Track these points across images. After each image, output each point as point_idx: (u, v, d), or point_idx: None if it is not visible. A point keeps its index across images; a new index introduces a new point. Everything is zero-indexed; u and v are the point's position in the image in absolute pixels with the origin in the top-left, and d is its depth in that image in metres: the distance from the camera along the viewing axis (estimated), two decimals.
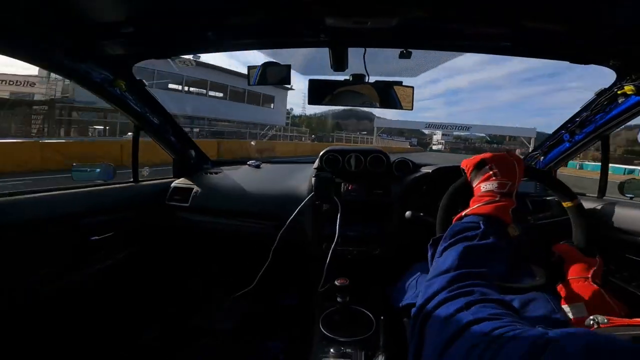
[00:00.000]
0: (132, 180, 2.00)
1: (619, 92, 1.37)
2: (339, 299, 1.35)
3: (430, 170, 1.78)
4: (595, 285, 0.93)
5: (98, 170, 1.80)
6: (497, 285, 0.68)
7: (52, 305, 1.52)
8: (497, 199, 0.87)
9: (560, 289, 0.97)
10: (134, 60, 1.55)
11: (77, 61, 1.35)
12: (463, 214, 0.88)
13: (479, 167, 0.96)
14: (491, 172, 0.93)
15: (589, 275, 0.95)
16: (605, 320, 0.64)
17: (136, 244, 1.92)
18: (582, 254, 1.03)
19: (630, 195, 1.66)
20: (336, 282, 1.33)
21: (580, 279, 0.96)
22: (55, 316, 1.55)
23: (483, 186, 0.92)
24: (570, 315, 0.91)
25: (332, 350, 1.28)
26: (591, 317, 0.66)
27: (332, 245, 1.59)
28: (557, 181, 1.13)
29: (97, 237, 1.65)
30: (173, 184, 2.06)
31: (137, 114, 1.79)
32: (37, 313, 1.47)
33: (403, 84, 1.54)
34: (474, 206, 0.88)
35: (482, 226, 0.79)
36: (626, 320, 0.61)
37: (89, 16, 1.10)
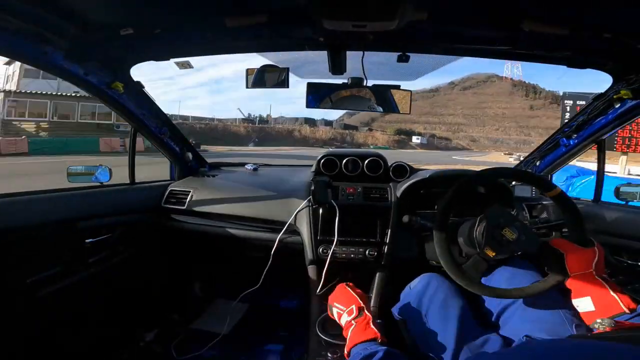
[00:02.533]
0: (128, 182, 1.99)
1: (615, 96, 1.38)
2: None
3: (427, 175, 1.79)
4: (599, 279, 0.92)
5: (94, 172, 1.79)
6: None
7: (49, 308, 1.50)
8: (353, 325, 1.03)
9: (569, 284, 0.97)
10: (132, 62, 1.54)
11: (75, 63, 1.34)
12: (346, 354, 1.01)
13: (331, 311, 1.16)
14: (338, 311, 1.12)
15: (592, 269, 0.95)
16: (613, 324, 0.65)
17: (133, 247, 1.91)
18: (579, 245, 1.02)
19: (626, 200, 1.67)
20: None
21: (584, 273, 0.95)
22: (52, 319, 1.54)
23: (342, 320, 1.09)
24: (579, 309, 0.92)
25: (328, 353, 1.27)
26: (598, 320, 0.67)
27: (331, 249, 1.58)
28: (531, 175, 1.13)
29: (93, 240, 1.63)
30: (170, 187, 2.05)
31: (134, 117, 1.78)
32: (34, 316, 1.46)
33: (401, 87, 1.55)
34: (347, 340, 1.02)
35: (361, 354, 0.91)
36: (632, 324, 0.62)
37: (87, 18, 1.10)
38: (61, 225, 1.51)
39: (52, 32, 1.13)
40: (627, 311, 0.84)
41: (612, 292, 0.89)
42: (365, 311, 1.05)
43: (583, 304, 0.91)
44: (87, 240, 1.62)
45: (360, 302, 1.08)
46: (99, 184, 1.79)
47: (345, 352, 1.01)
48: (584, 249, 1.00)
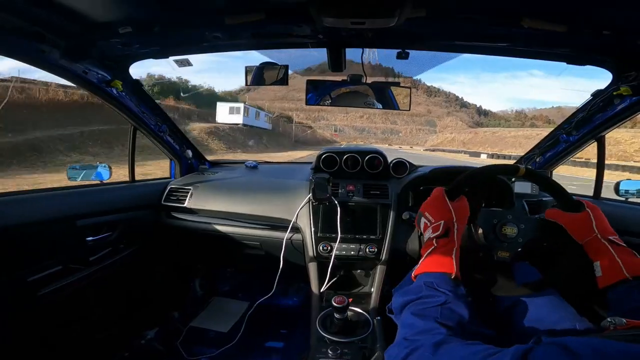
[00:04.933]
0: (128, 180, 1.99)
1: (615, 93, 1.38)
2: (337, 316, 1.34)
3: (427, 171, 1.79)
4: (603, 243, 0.91)
5: (94, 169, 1.79)
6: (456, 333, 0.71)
7: (50, 306, 1.51)
8: (433, 247, 0.90)
9: (587, 248, 0.95)
10: (131, 61, 1.54)
11: (74, 61, 1.34)
12: (413, 275, 0.91)
13: (419, 219, 1.00)
14: (426, 221, 0.97)
15: (595, 233, 0.93)
16: (624, 322, 0.64)
17: (133, 245, 1.91)
18: (570, 212, 1.00)
19: (626, 196, 1.67)
20: (333, 302, 1.29)
21: (589, 239, 0.94)
22: (53, 318, 1.54)
23: (425, 236, 0.96)
24: (596, 273, 0.90)
25: (329, 351, 1.27)
26: (608, 320, 0.66)
27: (335, 246, 1.59)
28: (492, 166, 1.11)
29: (93, 238, 1.64)
30: (170, 184, 2.05)
31: (134, 115, 1.78)
32: (35, 314, 1.46)
33: (400, 84, 1.55)
34: (421, 260, 0.91)
35: (423, 289, 0.81)
36: None
37: (86, 16, 1.10)
38: (61, 224, 1.51)
39: (51, 30, 1.13)
40: (629, 277, 0.83)
41: (616, 257, 0.87)
42: (455, 231, 0.92)
43: (597, 269, 0.90)
44: (87, 239, 1.62)
45: (454, 216, 0.93)
46: (98, 182, 1.79)
47: (413, 274, 0.90)
48: (577, 214, 0.98)
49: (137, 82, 1.69)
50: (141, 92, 1.76)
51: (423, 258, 0.90)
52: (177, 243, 2.19)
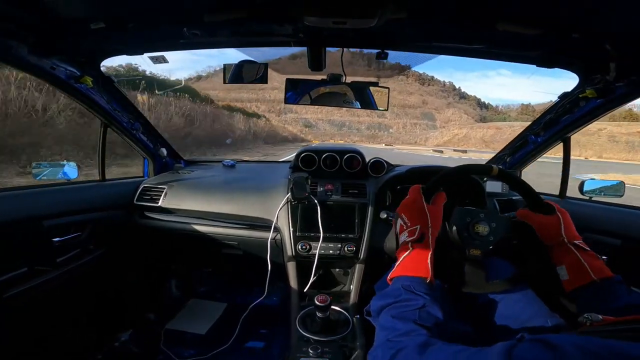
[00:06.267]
0: (98, 179, 1.91)
1: (581, 95, 1.44)
2: (319, 315, 1.34)
3: (404, 171, 1.82)
4: (570, 247, 0.94)
5: (60, 167, 1.71)
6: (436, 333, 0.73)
7: (17, 309, 1.44)
8: (409, 250, 0.91)
9: (553, 251, 0.98)
10: (103, 57, 1.49)
11: (42, 57, 1.27)
12: (389, 277, 0.91)
13: (396, 219, 1.01)
14: (402, 222, 0.97)
15: (562, 237, 0.96)
16: (600, 318, 0.67)
17: (104, 246, 1.84)
18: (541, 213, 1.03)
19: (590, 195, 1.75)
20: (316, 301, 1.30)
21: (557, 243, 0.97)
22: (20, 320, 1.47)
23: (401, 238, 0.96)
24: (560, 277, 0.94)
25: (310, 350, 1.28)
26: (585, 316, 0.69)
27: (318, 245, 1.60)
28: (466, 165, 1.15)
29: (61, 239, 1.57)
30: (143, 183, 1.99)
31: (104, 112, 1.71)
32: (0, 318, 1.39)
33: (379, 84, 1.56)
34: (397, 263, 0.92)
35: (402, 292, 0.82)
36: (618, 318, 0.64)
37: (56, 11, 1.05)
38: (26, 224, 1.44)
39: (20, 25, 1.08)
40: (596, 280, 0.87)
41: (582, 260, 0.91)
42: (430, 237, 0.92)
43: (562, 273, 0.93)
44: (54, 239, 1.55)
45: (429, 222, 0.94)
46: (66, 180, 1.71)
47: (389, 277, 0.90)
48: (547, 216, 1.01)
49: (109, 79, 1.63)
50: (113, 88, 1.70)
51: (399, 261, 0.91)
52: (151, 243, 2.13)
